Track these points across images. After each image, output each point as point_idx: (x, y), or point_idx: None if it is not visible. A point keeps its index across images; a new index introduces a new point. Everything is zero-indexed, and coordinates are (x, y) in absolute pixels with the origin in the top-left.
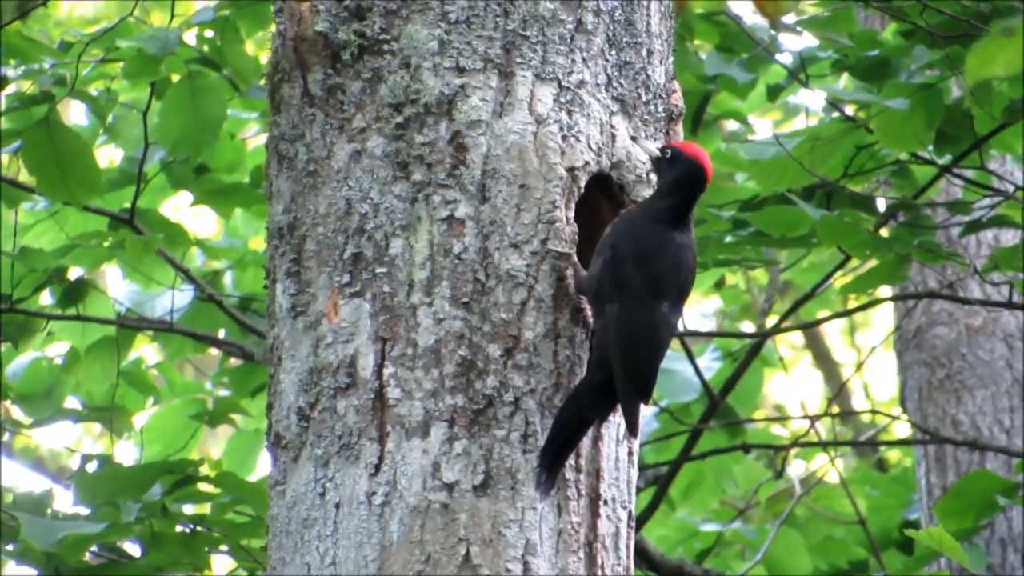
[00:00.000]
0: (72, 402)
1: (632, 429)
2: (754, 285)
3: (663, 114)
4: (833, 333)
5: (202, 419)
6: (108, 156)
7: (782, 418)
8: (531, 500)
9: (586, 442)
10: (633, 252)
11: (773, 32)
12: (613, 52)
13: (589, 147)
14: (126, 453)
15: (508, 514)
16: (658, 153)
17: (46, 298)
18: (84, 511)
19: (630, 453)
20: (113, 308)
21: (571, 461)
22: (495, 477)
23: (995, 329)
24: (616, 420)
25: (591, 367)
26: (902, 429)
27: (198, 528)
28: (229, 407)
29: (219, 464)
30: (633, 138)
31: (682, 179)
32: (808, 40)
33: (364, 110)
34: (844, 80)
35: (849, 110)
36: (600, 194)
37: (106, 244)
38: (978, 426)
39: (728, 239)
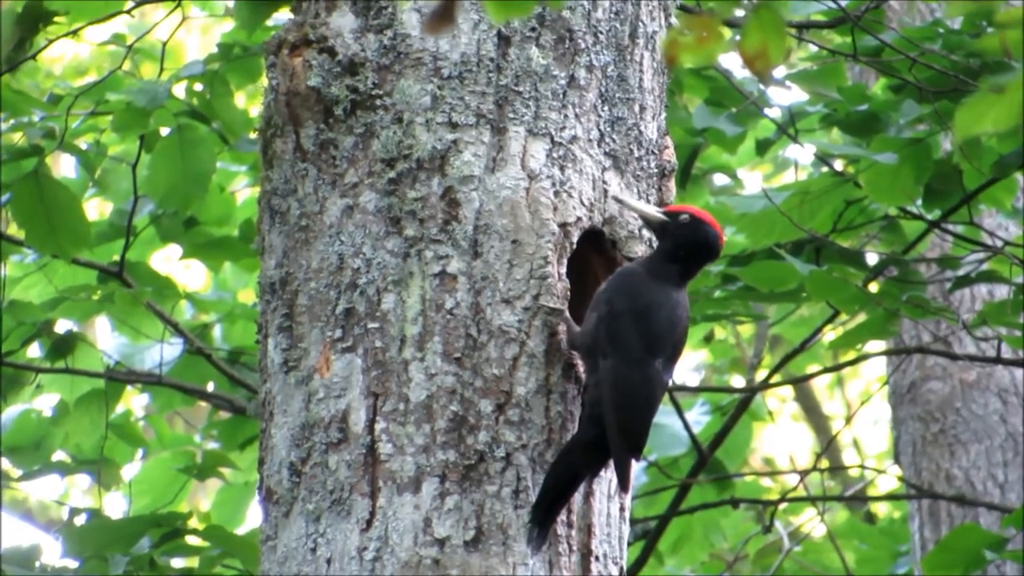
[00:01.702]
0: (61, 455)
1: (623, 485)
2: (743, 339)
3: (655, 170)
4: (822, 387)
5: (191, 472)
6: (97, 209)
7: (771, 472)
8: (522, 556)
9: (578, 498)
10: (631, 307)
11: (762, 86)
12: (606, 108)
13: (581, 203)
14: (115, 506)
15: (499, 569)
16: (660, 216)
17: (35, 351)
18: (72, 564)
19: (622, 509)
20: (102, 361)
21: (563, 517)
22: (486, 532)
23: (989, 384)
24: (607, 476)
25: (583, 423)
26: (891, 482)
27: None
28: (218, 460)
29: (208, 517)
30: (618, 200)
31: (698, 246)
32: (797, 94)
33: (357, 165)
34: (833, 135)
35: (838, 165)
36: (592, 250)
37: (95, 297)
38: (972, 481)
39: (717, 293)
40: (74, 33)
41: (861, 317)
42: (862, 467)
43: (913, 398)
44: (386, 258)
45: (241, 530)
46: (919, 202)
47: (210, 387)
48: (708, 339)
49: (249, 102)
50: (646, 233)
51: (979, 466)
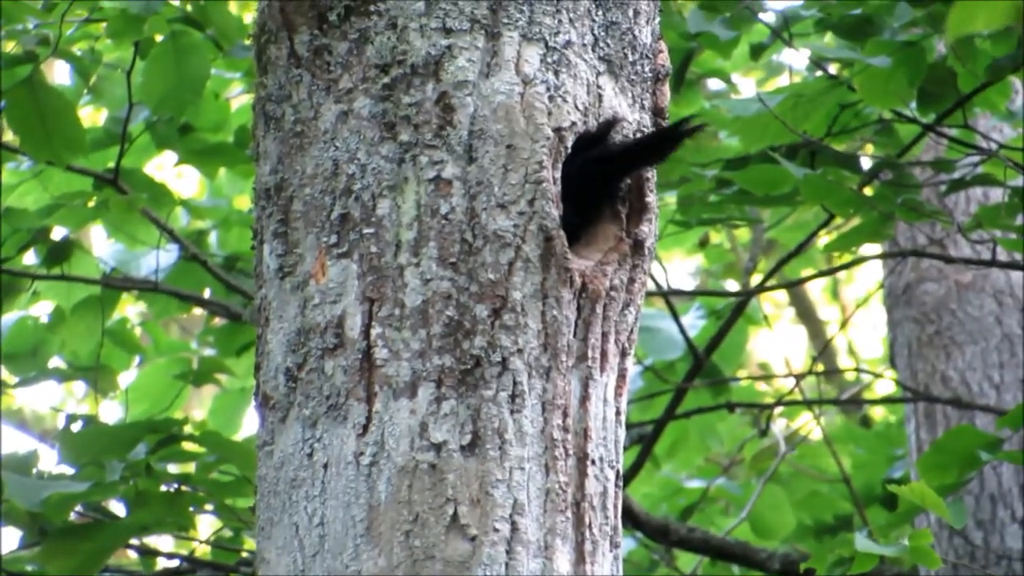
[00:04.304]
0: (57, 361)
1: None
2: (738, 244)
3: (649, 74)
4: (818, 292)
5: (187, 379)
6: (92, 116)
7: (767, 376)
8: (519, 460)
9: (574, 402)
10: None
11: None
12: (599, 12)
13: (576, 107)
14: (112, 413)
15: (496, 474)
16: None
17: (30, 258)
18: (69, 471)
19: (618, 413)
20: (98, 268)
21: (559, 421)
22: (483, 437)
23: (985, 285)
24: (604, 380)
25: None
26: (887, 386)
27: (183, 487)
28: (214, 367)
29: (204, 423)
30: None
31: None
32: None
33: (351, 71)
34: (827, 39)
35: (833, 69)
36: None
37: (90, 204)
38: (968, 382)
39: (712, 198)
40: None
41: (856, 220)
42: (858, 370)
43: (908, 300)
44: (381, 164)
45: (237, 436)
46: (913, 105)
47: (206, 293)
48: (703, 243)
49: (243, 8)
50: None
51: (975, 367)
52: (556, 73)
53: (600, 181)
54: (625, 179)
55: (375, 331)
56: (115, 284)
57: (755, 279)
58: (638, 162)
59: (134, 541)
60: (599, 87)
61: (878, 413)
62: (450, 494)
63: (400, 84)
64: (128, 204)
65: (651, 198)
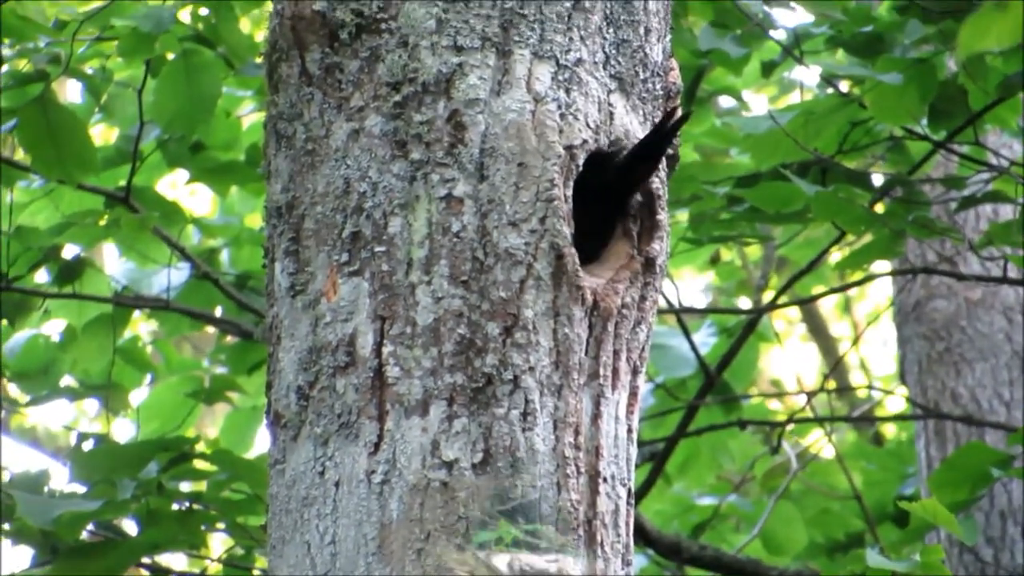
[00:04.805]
0: (69, 380)
1: None
2: (749, 261)
3: (661, 92)
4: (830, 308)
5: (199, 397)
6: (103, 134)
7: (778, 394)
8: (531, 479)
9: (586, 420)
10: None
11: (767, 8)
12: (611, 30)
13: (587, 125)
14: (123, 431)
15: (508, 492)
16: None
17: (42, 276)
18: (81, 489)
19: (630, 431)
20: (109, 286)
21: (570, 439)
22: (494, 455)
23: (994, 302)
24: (616, 398)
25: None
26: (898, 403)
27: (195, 506)
28: (226, 385)
29: (216, 442)
30: None
31: None
32: (802, 16)
33: (362, 89)
34: (838, 56)
35: (844, 87)
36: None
37: (102, 222)
38: (977, 399)
39: (723, 215)
40: None
41: (867, 238)
42: (869, 387)
43: (918, 316)
44: (392, 181)
45: (249, 455)
46: (924, 122)
47: (218, 312)
48: (714, 261)
49: (254, 27)
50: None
51: (984, 384)
52: (567, 91)
53: (608, 196)
54: (632, 191)
55: (387, 349)
56: (127, 302)
57: (767, 296)
58: (638, 168)
59: (146, 560)
60: (610, 105)
61: (890, 430)
62: (462, 512)
63: (411, 102)
64: (140, 222)
65: (662, 216)
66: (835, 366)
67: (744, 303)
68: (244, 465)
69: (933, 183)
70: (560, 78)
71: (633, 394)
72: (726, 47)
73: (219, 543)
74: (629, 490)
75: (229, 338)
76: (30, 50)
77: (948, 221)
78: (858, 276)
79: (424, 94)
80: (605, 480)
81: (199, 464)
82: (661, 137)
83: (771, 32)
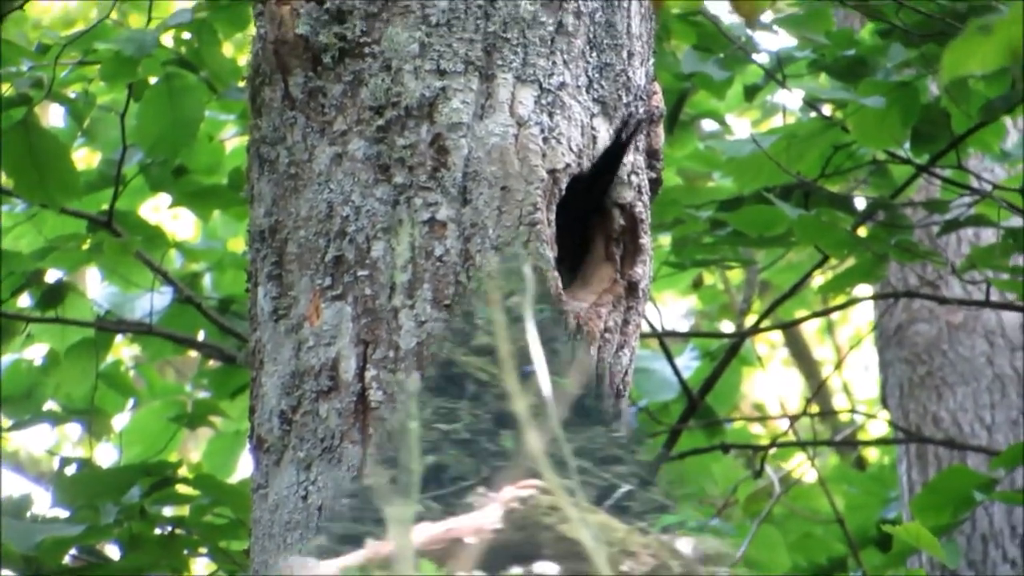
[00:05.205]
0: (51, 405)
1: None
2: (731, 285)
3: (644, 116)
4: (812, 332)
5: (182, 421)
6: (86, 159)
7: (761, 418)
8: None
9: None
10: None
11: (749, 31)
12: (594, 54)
13: (570, 149)
14: (106, 456)
15: None
16: None
17: (25, 300)
18: (63, 514)
19: None
20: (92, 310)
21: None
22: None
23: (976, 326)
24: None
25: None
26: (880, 427)
27: (177, 530)
28: (209, 409)
29: (199, 466)
30: None
31: None
32: (785, 39)
33: (345, 113)
34: (821, 79)
35: (827, 110)
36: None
37: (84, 247)
38: (959, 423)
39: (706, 239)
40: None
41: (850, 261)
42: (852, 411)
43: (900, 340)
44: (375, 206)
45: (232, 479)
46: (907, 146)
47: (200, 336)
48: (697, 285)
49: (237, 51)
50: (634, 179)
51: (966, 408)
52: (550, 115)
53: (581, 213)
54: (597, 204)
55: (369, 373)
56: (109, 327)
57: (749, 320)
58: (603, 173)
59: None
60: (593, 128)
61: (872, 454)
62: None
63: (394, 126)
64: (122, 247)
65: (645, 240)
66: (817, 390)
67: (727, 327)
68: (227, 490)
69: (915, 207)
70: (543, 102)
71: None
72: (709, 70)
73: (202, 568)
74: None
75: (212, 362)
76: (12, 74)
77: (930, 245)
78: (840, 300)
79: (407, 118)
80: None
81: (182, 489)
82: (619, 147)
83: (754, 56)
